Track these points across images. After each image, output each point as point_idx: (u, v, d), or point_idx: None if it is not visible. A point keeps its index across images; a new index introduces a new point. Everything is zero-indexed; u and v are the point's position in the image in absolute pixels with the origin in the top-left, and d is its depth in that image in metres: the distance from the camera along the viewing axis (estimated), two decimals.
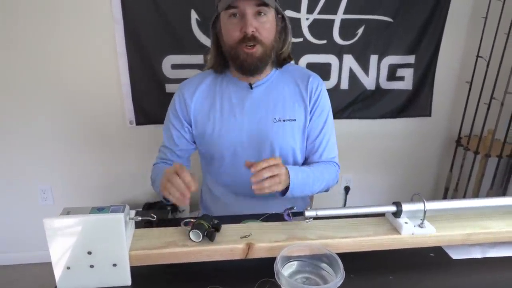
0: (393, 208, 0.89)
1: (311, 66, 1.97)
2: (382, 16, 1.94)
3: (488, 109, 1.92)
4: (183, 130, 1.23)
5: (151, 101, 1.95)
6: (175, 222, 0.92)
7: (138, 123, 1.99)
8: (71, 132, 2.00)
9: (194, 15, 1.81)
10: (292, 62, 1.25)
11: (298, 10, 1.88)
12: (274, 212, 0.96)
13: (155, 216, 0.87)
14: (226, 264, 0.84)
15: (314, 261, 0.81)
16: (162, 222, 0.95)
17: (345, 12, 1.91)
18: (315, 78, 1.22)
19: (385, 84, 2.08)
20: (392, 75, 2.07)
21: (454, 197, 2.19)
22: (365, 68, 2.04)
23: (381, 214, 0.94)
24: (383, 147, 2.25)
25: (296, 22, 1.89)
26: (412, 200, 0.90)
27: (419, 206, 0.88)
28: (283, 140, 1.18)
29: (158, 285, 0.84)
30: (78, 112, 1.96)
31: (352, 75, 2.04)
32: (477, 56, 1.92)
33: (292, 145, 1.20)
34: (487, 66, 1.90)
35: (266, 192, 0.98)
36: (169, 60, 1.89)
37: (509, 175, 2.16)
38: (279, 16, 1.13)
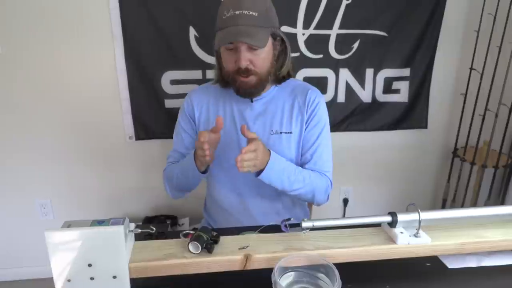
0: (388, 218, 0.90)
1: (308, 80, 2.00)
2: (377, 30, 1.98)
3: (483, 120, 1.95)
4: (193, 132, 1.29)
5: (150, 116, 1.98)
6: (174, 235, 0.93)
7: (138, 138, 2.01)
8: (71, 147, 2.02)
9: (192, 32, 1.85)
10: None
11: (294, 25, 1.92)
12: (272, 223, 0.98)
13: (154, 228, 0.88)
14: (224, 275, 0.85)
15: (311, 272, 0.82)
16: (162, 235, 0.96)
17: (340, 27, 1.95)
18: (313, 91, 1.27)
19: (381, 97, 2.11)
20: (388, 88, 2.10)
21: (452, 208, 2.20)
22: (361, 81, 2.07)
23: (378, 225, 0.96)
24: (381, 159, 2.27)
25: (293, 37, 1.93)
26: (407, 210, 0.92)
27: (414, 216, 0.89)
28: (280, 151, 1.20)
29: None
30: (78, 127, 1.98)
31: (349, 89, 2.08)
32: (471, 68, 1.95)
33: (288, 157, 1.23)
34: (481, 78, 1.93)
35: (245, 170, 1.03)
36: (168, 76, 1.92)
37: (506, 185, 2.18)
38: (278, 38, 1.17)
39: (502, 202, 2.18)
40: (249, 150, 1.02)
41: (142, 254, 0.85)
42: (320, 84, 2.04)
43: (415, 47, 2.03)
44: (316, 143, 1.24)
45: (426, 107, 2.16)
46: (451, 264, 0.94)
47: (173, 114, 1.94)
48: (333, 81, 2.05)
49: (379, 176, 2.31)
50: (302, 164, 1.27)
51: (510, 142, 2.12)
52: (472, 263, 0.95)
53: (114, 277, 0.80)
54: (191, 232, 0.89)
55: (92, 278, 0.79)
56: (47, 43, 1.82)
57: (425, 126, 2.20)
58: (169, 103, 1.95)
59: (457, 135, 2.11)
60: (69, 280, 0.79)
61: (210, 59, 1.88)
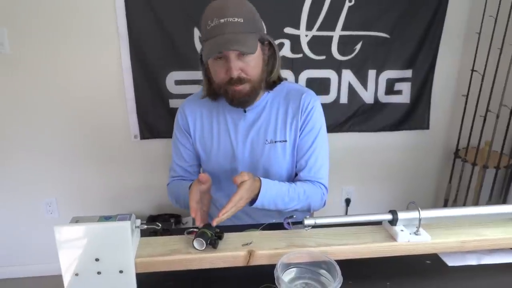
0: (389, 217, 0.92)
1: (311, 81, 2.03)
2: (379, 32, 1.99)
3: (484, 121, 1.96)
4: (189, 144, 1.27)
5: (155, 116, 2.00)
6: (178, 232, 0.95)
7: (143, 137, 2.03)
8: (76, 146, 2.04)
9: (197, 33, 1.87)
10: (290, 79, 1.26)
11: (297, 27, 1.94)
12: (274, 221, 1.00)
13: (160, 225, 0.91)
14: (228, 271, 0.87)
15: (313, 268, 0.84)
16: (166, 232, 0.98)
17: (343, 29, 1.96)
18: (308, 95, 1.21)
19: (384, 98, 2.13)
20: (390, 89, 2.11)
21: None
22: (364, 82, 2.09)
23: (379, 223, 0.97)
24: (383, 160, 2.29)
25: (296, 38, 1.95)
26: (407, 208, 0.93)
27: (414, 214, 0.91)
28: (275, 161, 1.20)
29: None
30: (84, 126, 2.01)
31: (351, 90, 2.09)
32: (472, 70, 1.97)
33: (283, 166, 1.22)
34: (482, 79, 1.94)
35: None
36: (172, 76, 1.94)
37: (508, 186, 2.19)
38: (266, 43, 1.12)
39: (503, 202, 2.19)
40: (230, 207, 0.97)
41: (147, 249, 0.87)
42: (323, 85, 2.05)
43: (417, 49, 2.05)
44: (311, 149, 1.20)
45: (428, 108, 2.17)
46: (451, 262, 0.95)
47: None
48: (336, 82, 2.07)
49: (381, 176, 2.33)
50: (296, 171, 1.24)
51: (511, 142, 2.13)
52: (472, 261, 0.96)
53: (121, 271, 0.82)
54: (195, 230, 0.91)
55: (99, 273, 0.81)
56: (54, 43, 1.84)
57: (427, 127, 2.21)
58: (173, 103, 1.98)
59: (459, 136, 2.12)
60: (76, 274, 0.81)
61: None
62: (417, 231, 0.91)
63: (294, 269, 0.84)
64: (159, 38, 1.87)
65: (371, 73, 2.08)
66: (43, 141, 2.01)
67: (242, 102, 1.13)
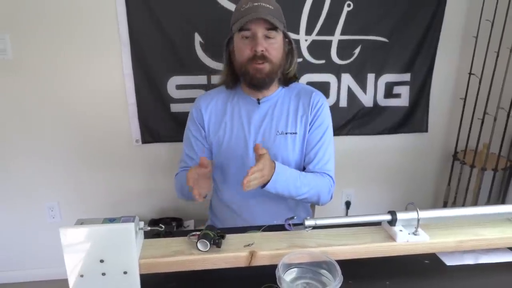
0: (388, 217, 0.94)
1: (310, 85, 1.99)
2: (378, 36, 2.02)
3: (482, 124, 1.98)
4: (201, 137, 1.33)
5: (156, 120, 2.02)
6: (181, 235, 0.96)
7: (144, 141, 2.05)
8: (78, 150, 2.05)
9: (197, 38, 1.89)
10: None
11: (297, 32, 1.96)
12: (275, 222, 1.01)
13: (163, 226, 0.92)
14: (230, 272, 0.88)
15: (313, 268, 0.85)
16: (169, 234, 1.00)
17: (342, 33, 1.99)
18: (317, 94, 1.34)
19: (383, 101, 2.14)
20: (389, 93, 2.13)
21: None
22: (363, 86, 2.11)
23: (378, 223, 0.99)
24: (382, 163, 2.30)
25: (296, 43, 1.95)
26: (406, 209, 0.95)
27: (412, 214, 0.93)
28: (285, 151, 1.26)
29: None
30: (86, 131, 2.02)
31: (351, 93, 2.11)
32: (470, 73, 1.99)
33: (292, 157, 1.28)
34: (480, 83, 1.96)
35: (250, 189, 1.04)
36: (173, 81, 1.96)
37: (506, 188, 2.20)
38: (287, 40, 1.26)
39: (502, 204, 2.20)
40: (257, 170, 1.03)
41: (151, 251, 0.89)
42: (323, 89, 2.03)
43: (415, 53, 2.07)
44: (320, 143, 1.28)
45: (426, 111, 2.19)
46: (449, 261, 0.97)
47: (178, 118, 1.98)
48: (335, 86, 2.09)
49: (380, 179, 2.34)
50: (305, 164, 1.31)
51: (509, 145, 2.15)
52: (469, 260, 0.98)
53: (125, 272, 0.83)
54: (197, 232, 0.92)
55: (103, 274, 0.83)
56: (56, 49, 1.86)
57: (426, 130, 2.23)
58: (174, 108, 1.99)
59: (457, 139, 2.14)
60: (81, 276, 0.83)
61: (215, 65, 1.92)
62: (416, 231, 0.93)
63: (295, 269, 0.86)
64: (160, 43, 1.89)
65: (370, 77, 2.10)
66: (45, 145, 2.02)
67: (260, 82, 1.22)
